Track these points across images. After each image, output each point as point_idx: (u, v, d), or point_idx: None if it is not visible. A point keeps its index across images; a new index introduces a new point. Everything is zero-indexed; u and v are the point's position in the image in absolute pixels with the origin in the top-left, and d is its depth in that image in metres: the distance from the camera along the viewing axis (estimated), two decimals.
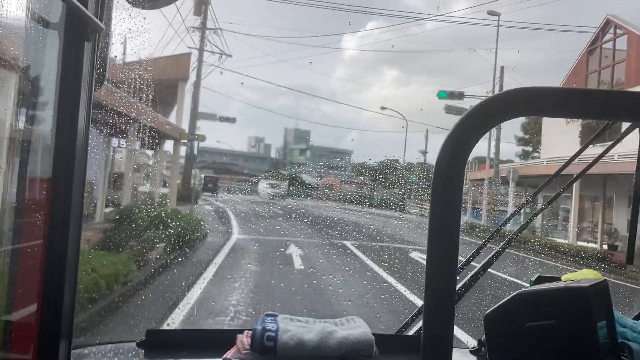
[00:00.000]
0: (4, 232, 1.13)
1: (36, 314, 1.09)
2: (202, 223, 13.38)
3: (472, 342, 1.39)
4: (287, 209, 24.07)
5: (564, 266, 13.25)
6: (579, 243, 19.87)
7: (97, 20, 1.11)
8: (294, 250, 11.30)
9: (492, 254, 1.61)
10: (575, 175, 1.83)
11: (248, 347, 1.14)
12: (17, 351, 1.10)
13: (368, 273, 9.88)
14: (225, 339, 1.24)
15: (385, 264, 10.75)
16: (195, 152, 27.21)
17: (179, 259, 9.75)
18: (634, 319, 1.27)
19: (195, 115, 26.64)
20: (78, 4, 1.01)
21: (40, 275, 1.09)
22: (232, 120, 33.04)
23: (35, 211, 1.13)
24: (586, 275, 1.19)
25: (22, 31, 1.08)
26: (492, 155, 26.16)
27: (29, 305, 1.10)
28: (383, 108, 32.93)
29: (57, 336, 1.10)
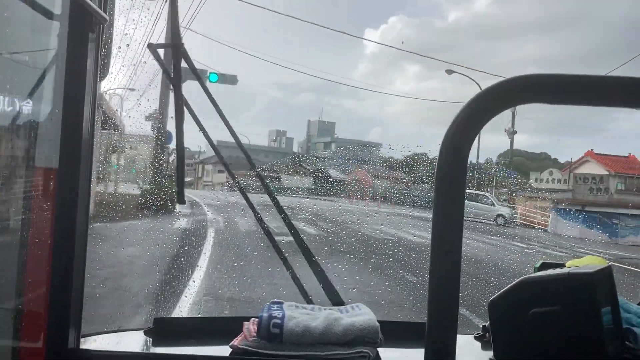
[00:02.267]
0: (13, 222, 1.15)
1: (46, 302, 1.10)
2: None
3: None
4: (320, 220, 14.29)
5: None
6: None
7: (101, 12, 1.11)
8: None
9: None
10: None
11: (255, 334, 1.15)
12: (28, 339, 1.12)
13: None
14: (232, 326, 1.26)
15: None
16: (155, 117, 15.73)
17: None
18: (639, 304, 1.27)
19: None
20: None
21: (49, 264, 1.10)
22: (231, 79, 19.32)
23: (43, 201, 1.15)
24: (591, 262, 1.19)
25: (27, 24, 1.08)
26: None
27: (38, 294, 1.12)
28: (449, 72, 25.81)
29: (66, 324, 1.12)
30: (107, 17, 1.14)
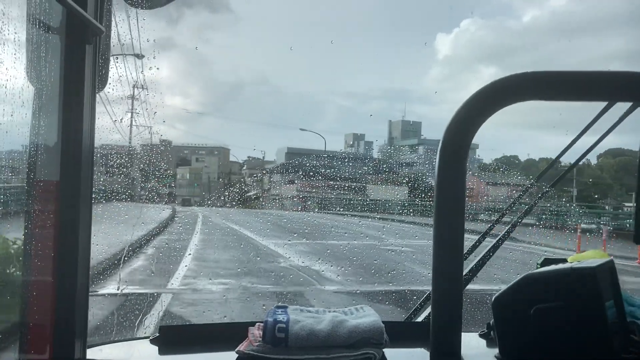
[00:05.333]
0: (16, 236, 1.15)
1: (51, 314, 1.11)
2: None
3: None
4: None
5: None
6: None
7: (97, 23, 1.12)
8: None
9: (497, 238, 1.62)
10: (578, 157, 1.83)
11: (260, 339, 1.16)
12: (34, 352, 1.12)
13: None
14: (237, 332, 1.26)
15: None
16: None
17: None
18: None
19: None
20: (78, 7, 1.02)
21: (53, 277, 1.11)
22: None
23: (45, 214, 1.15)
24: (593, 256, 1.20)
25: (23, 36, 1.08)
26: None
27: (43, 307, 1.12)
28: None
29: (72, 336, 1.12)
30: (104, 29, 1.15)
